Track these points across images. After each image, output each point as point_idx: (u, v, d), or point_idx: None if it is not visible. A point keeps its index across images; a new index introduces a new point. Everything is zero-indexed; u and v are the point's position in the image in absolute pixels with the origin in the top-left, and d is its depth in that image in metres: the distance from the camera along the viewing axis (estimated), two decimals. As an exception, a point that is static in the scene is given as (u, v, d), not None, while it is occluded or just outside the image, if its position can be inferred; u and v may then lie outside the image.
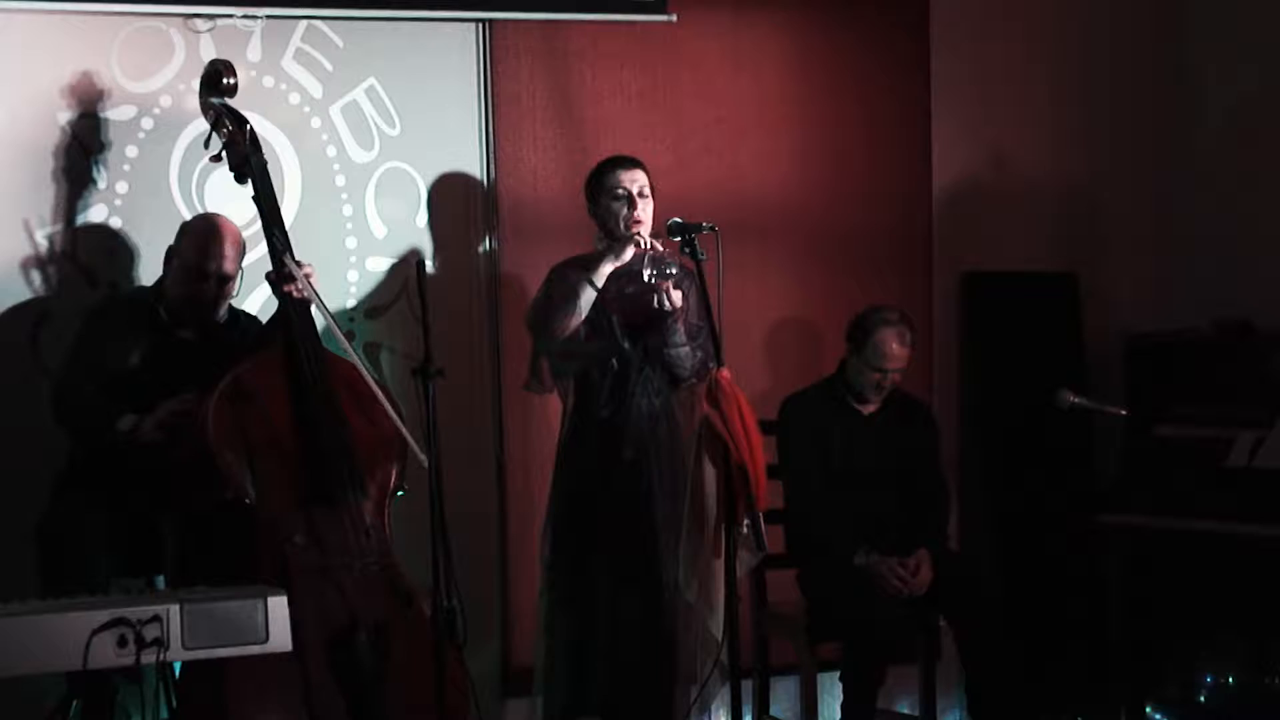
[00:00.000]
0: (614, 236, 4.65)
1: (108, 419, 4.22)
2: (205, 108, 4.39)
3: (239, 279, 4.46)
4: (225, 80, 4.34)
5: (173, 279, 4.41)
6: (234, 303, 4.56)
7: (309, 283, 4.20)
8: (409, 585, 4.30)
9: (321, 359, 4.24)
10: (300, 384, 4.19)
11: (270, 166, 4.77)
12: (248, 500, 4.09)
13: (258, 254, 4.73)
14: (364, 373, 4.20)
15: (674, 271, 4.56)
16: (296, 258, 4.25)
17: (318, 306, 4.21)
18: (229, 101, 4.35)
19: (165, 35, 4.75)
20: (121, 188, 4.71)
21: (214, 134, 4.37)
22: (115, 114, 4.71)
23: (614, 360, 4.65)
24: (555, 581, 4.67)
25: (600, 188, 4.69)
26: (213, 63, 4.42)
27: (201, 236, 4.38)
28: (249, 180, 4.31)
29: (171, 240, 4.46)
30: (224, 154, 4.32)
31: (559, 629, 4.67)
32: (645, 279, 4.55)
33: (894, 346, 4.81)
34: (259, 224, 4.78)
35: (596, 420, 4.67)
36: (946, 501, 5.02)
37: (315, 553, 4.09)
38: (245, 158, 4.29)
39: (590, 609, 4.62)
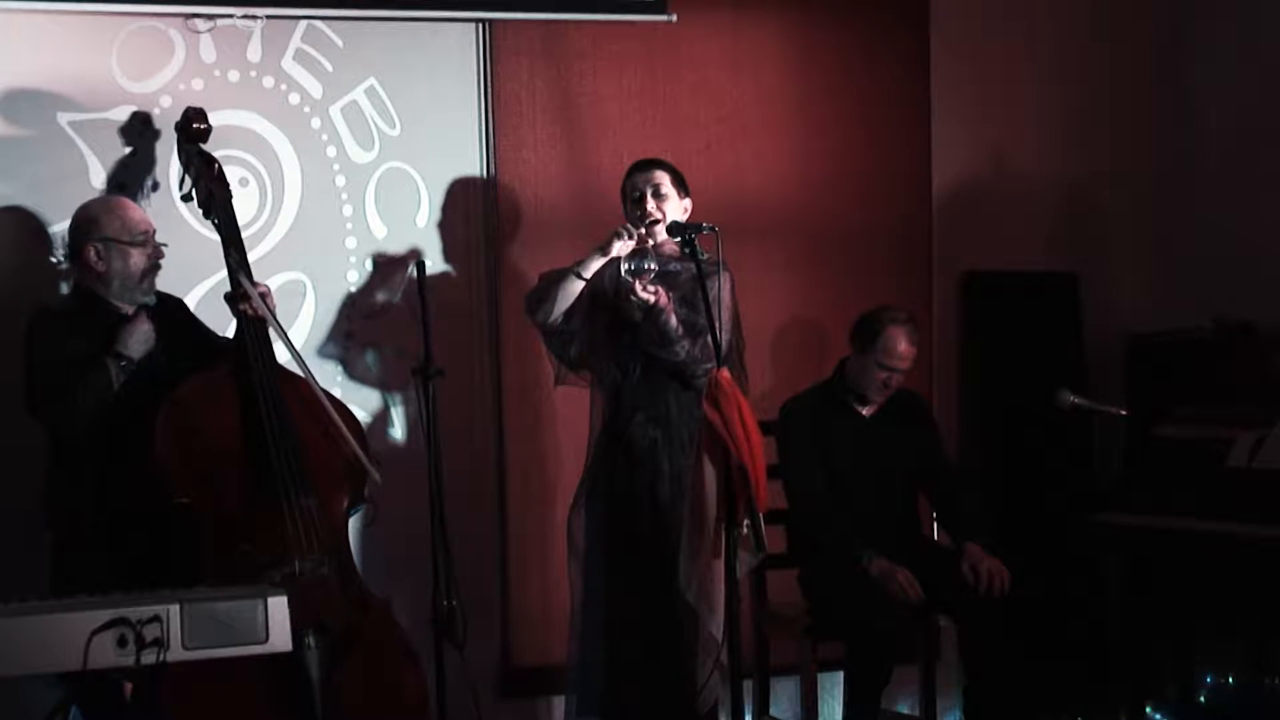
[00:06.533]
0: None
1: (83, 401, 4.19)
2: (180, 152, 4.53)
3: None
4: (196, 125, 4.49)
5: (109, 265, 4.30)
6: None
7: (264, 302, 4.30)
8: (366, 594, 4.31)
9: (274, 375, 4.30)
10: (250, 395, 4.25)
11: (270, 166, 4.84)
12: (194, 506, 4.14)
13: (255, 255, 4.76)
14: (318, 392, 4.28)
15: (651, 268, 4.50)
16: (254, 279, 4.36)
17: (272, 325, 4.30)
18: (202, 146, 4.48)
19: (165, 35, 4.76)
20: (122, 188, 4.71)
21: (186, 175, 4.51)
22: (115, 114, 4.71)
23: (615, 365, 4.64)
24: (586, 582, 4.68)
25: (623, 191, 4.71)
26: (185, 111, 4.52)
27: (121, 209, 4.35)
28: (213, 212, 4.43)
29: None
30: (193, 193, 4.46)
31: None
32: (622, 275, 4.52)
33: (902, 345, 4.80)
34: (258, 225, 4.81)
35: (607, 421, 4.67)
36: (971, 490, 5.02)
37: (261, 555, 4.12)
38: (210, 194, 4.42)
39: (606, 611, 4.63)
